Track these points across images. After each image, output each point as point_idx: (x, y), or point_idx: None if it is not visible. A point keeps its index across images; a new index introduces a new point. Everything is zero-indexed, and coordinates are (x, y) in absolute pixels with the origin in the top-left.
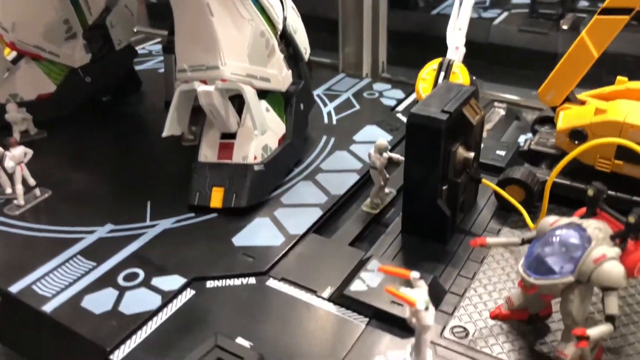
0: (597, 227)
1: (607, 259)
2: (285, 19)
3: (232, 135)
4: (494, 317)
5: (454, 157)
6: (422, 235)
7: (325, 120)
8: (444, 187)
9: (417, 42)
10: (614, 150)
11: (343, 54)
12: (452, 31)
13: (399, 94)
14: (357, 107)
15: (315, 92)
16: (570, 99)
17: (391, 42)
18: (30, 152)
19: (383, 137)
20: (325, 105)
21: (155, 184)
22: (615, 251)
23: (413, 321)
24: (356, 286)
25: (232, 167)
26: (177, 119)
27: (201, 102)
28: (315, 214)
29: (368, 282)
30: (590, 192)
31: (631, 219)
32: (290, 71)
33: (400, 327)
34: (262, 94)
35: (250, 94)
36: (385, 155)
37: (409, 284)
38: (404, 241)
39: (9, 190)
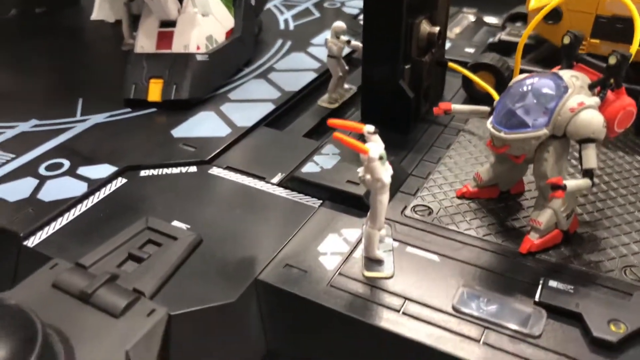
0: (573, 76)
1: (585, 106)
2: None
3: (172, 24)
4: (460, 195)
5: (417, 31)
6: (383, 124)
7: (282, 27)
8: (406, 67)
9: None
10: (590, 29)
11: None
12: None
13: (358, 3)
14: (317, 15)
15: (271, 2)
16: None
17: None
18: None
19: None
20: (282, 13)
21: (89, 82)
22: (594, 100)
23: (367, 178)
24: (308, 168)
25: (172, 56)
26: (110, 3)
27: None
28: (267, 108)
29: (321, 164)
30: (567, 40)
31: (612, 60)
32: None
33: (356, 206)
34: None
35: None
36: (343, 38)
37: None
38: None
39: None
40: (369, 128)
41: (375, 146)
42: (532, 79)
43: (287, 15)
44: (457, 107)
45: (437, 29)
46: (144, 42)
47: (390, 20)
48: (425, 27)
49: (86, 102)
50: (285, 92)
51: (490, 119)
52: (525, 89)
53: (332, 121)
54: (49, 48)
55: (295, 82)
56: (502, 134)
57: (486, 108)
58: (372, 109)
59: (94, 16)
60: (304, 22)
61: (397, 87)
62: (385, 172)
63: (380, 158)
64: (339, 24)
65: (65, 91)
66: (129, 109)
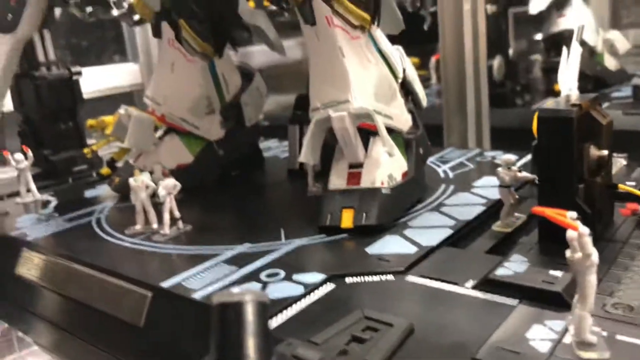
0: None
1: None
2: (404, 70)
3: (359, 166)
4: None
5: (587, 154)
6: (560, 243)
7: (442, 175)
8: (581, 186)
9: (518, 138)
10: None
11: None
12: (562, 74)
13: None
14: (471, 166)
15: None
16: None
17: (493, 139)
18: (179, 185)
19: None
20: (439, 166)
21: (287, 216)
22: None
23: (576, 257)
24: (501, 272)
25: (361, 190)
26: (312, 148)
27: (334, 127)
28: (445, 232)
29: (514, 268)
30: None
31: None
32: (410, 115)
33: (557, 304)
34: None
35: (378, 119)
36: (514, 168)
37: None
38: (541, 247)
39: (155, 226)
40: (572, 214)
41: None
42: None
43: (444, 167)
44: None
45: (605, 152)
46: (336, 181)
47: (562, 143)
48: (595, 151)
49: (287, 230)
50: (460, 220)
51: None
52: None
53: (536, 209)
54: (246, 196)
55: (468, 213)
56: None
57: None
58: (550, 228)
59: (301, 159)
60: (461, 172)
61: (574, 205)
62: (594, 250)
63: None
64: (509, 157)
65: (269, 222)
66: (324, 235)
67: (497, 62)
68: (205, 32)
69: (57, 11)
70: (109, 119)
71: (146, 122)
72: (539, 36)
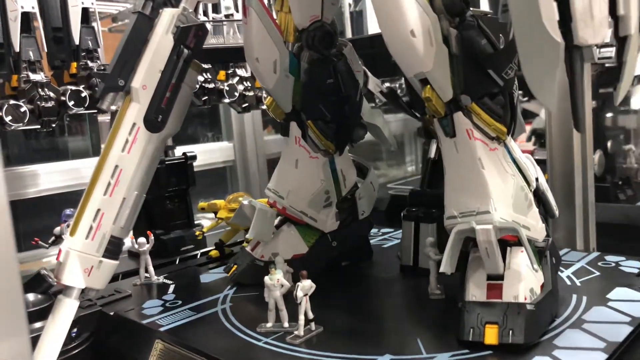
0: None
1: None
2: (537, 179)
3: (498, 277)
4: None
5: None
6: None
7: (568, 282)
8: None
9: (625, 234)
10: None
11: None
12: None
13: (637, 264)
14: (597, 273)
15: None
16: None
17: (599, 234)
18: (314, 286)
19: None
20: (561, 271)
21: (416, 321)
22: None
23: None
24: None
25: (504, 305)
26: (451, 258)
27: (479, 239)
28: (600, 356)
29: None
30: None
31: None
32: (544, 225)
33: None
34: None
35: (523, 233)
36: None
37: None
38: None
39: (286, 325)
40: None
41: None
42: None
43: (567, 272)
44: None
45: None
46: (475, 291)
47: None
48: None
49: (424, 340)
50: (609, 342)
51: None
52: None
53: None
54: (363, 290)
55: (615, 333)
56: None
57: None
58: None
59: (443, 269)
60: (588, 280)
61: None
62: None
63: None
64: None
65: (401, 328)
66: (466, 350)
67: (597, 156)
68: (329, 132)
69: None
70: (220, 202)
71: (269, 214)
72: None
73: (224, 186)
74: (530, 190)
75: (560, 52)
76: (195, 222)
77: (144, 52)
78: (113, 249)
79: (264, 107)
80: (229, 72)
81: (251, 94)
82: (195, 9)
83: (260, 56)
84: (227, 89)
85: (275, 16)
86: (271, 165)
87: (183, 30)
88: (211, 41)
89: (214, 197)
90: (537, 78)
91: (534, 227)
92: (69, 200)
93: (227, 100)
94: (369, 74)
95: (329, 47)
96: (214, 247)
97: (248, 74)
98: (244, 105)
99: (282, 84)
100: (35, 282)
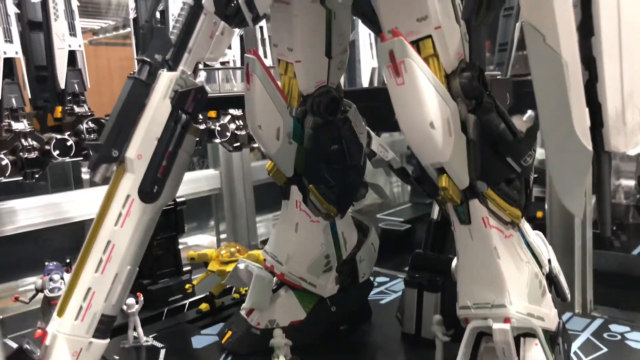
0: None
1: None
2: (550, 261)
3: None
4: None
5: None
6: None
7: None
8: None
9: (621, 284)
10: None
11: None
12: None
13: None
14: (604, 349)
15: None
16: None
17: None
18: None
19: None
20: None
21: None
22: None
23: None
24: None
25: None
26: (466, 356)
27: (496, 339)
28: None
29: None
30: None
31: None
32: (556, 310)
33: None
34: None
35: (540, 331)
36: None
37: None
38: None
39: None
40: None
41: None
42: None
43: (574, 348)
44: None
45: None
46: None
47: None
48: None
49: None
50: None
51: None
52: None
53: None
54: None
55: None
56: None
57: None
58: None
59: None
60: (596, 357)
61: None
62: None
63: None
64: None
65: None
66: None
67: (594, 200)
68: (332, 196)
69: None
70: (211, 252)
71: (267, 280)
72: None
73: (208, 214)
74: (543, 274)
75: (591, 160)
76: (184, 269)
77: (140, 119)
78: (104, 328)
79: (256, 145)
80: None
81: (243, 132)
82: (195, 70)
83: (263, 124)
84: (219, 129)
85: (277, 78)
86: (258, 192)
87: (181, 95)
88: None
89: (198, 228)
90: (566, 184)
91: (548, 316)
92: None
93: (218, 141)
94: (372, 134)
95: (334, 113)
96: (204, 298)
97: (240, 112)
98: (235, 145)
99: (284, 150)
100: (17, 357)
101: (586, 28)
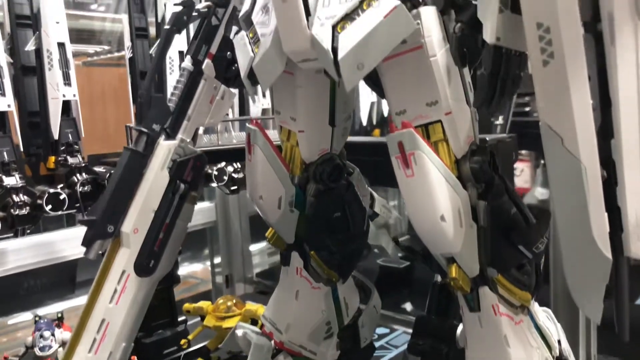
0: None
1: None
2: (559, 342)
3: None
4: None
5: None
6: None
7: None
8: None
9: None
10: None
11: None
12: None
13: None
14: None
15: None
16: None
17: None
18: None
19: None
20: None
21: None
22: None
23: None
24: None
25: None
26: None
27: None
28: None
29: None
30: None
31: None
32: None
33: None
34: None
35: None
36: None
37: None
38: None
39: None
40: None
41: None
42: None
43: None
44: None
45: None
46: None
47: None
48: None
49: None
50: None
51: None
52: None
53: None
54: None
55: None
56: None
57: None
58: None
59: None
60: None
61: None
62: None
63: None
64: None
65: None
66: None
67: None
68: (334, 261)
69: None
70: (207, 305)
71: (266, 348)
72: None
73: (203, 244)
74: (553, 357)
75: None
76: (179, 320)
77: (137, 191)
78: None
79: None
80: None
81: (241, 175)
82: (194, 137)
83: (264, 194)
84: (216, 173)
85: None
86: (253, 223)
87: (180, 164)
88: (203, 141)
89: (192, 257)
90: (584, 292)
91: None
92: None
93: (215, 185)
94: (375, 195)
95: (337, 181)
96: (199, 352)
97: None
98: (232, 188)
99: (286, 218)
100: None
101: (606, 130)
